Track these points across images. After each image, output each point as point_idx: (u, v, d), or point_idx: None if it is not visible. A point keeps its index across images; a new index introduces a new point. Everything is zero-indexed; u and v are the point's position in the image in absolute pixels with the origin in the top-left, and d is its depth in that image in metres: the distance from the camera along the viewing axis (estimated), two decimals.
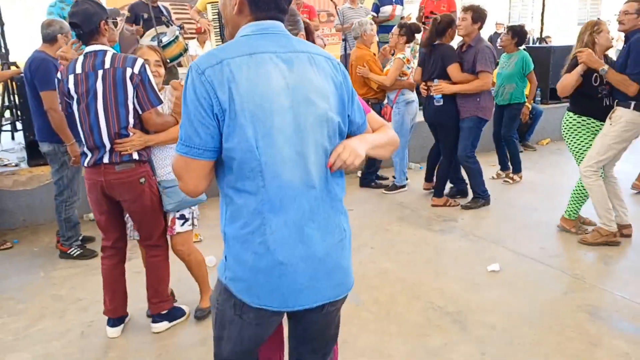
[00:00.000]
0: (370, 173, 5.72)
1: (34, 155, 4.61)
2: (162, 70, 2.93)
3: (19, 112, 5.30)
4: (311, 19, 7.02)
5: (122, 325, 3.01)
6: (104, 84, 2.61)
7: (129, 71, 2.62)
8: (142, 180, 2.72)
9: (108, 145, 2.66)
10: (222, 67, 1.33)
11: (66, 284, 3.66)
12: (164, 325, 3.00)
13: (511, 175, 5.78)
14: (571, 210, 4.18)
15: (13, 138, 4.88)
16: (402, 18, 7.62)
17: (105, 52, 2.69)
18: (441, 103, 4.71)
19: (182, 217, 2.90)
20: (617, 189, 4.01)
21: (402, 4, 7.67)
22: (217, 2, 5.78)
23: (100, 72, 2.62)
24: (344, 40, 6.92)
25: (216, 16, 5.86)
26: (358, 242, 4.15)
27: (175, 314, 3.07)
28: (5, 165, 4.80)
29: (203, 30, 7.16)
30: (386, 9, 7.40)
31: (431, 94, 4.75)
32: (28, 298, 3.49)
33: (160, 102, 2.72)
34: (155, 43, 5.79)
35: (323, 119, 1.42)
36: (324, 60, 1.50)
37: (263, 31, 1.44)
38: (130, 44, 7.64)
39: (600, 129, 3.88)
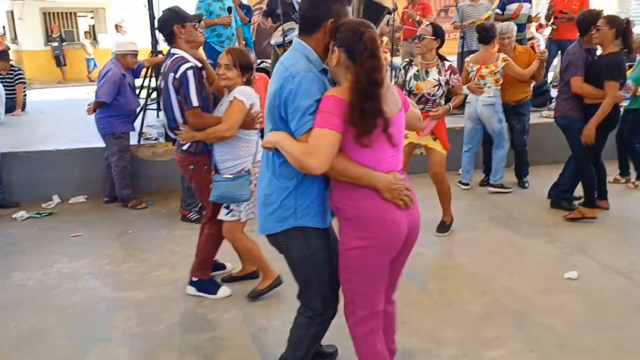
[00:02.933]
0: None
1: None
2: (230, 73, 3.06)
3: None
4: (425, 16, 7.12)
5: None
6: (162, 85, 3.16)
7: (171, 76, 3.06)
8: (191, 167, 3.24)
9: (171, 135, 3.30)
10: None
11: (182, 242, 4.33)
12: (191, 289, 3.46)
13: (633, 181, 5.53)
14: None
15: (158, 116, 5.74)
16: (529, 17, 7.42)
17: (172, 55, 3.17)
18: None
19: (227, 207, 3.21)
20: None
21: (530, 2, 7.44)
22: None
23: (164, 74, 3.16)
24: (462, 37, 6.95)
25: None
26: (442, 237, 4.33)
27: (204, 286, 3.43)
28: (148, 138, 5.70)
29: None
30: (512, 7, 7.24)
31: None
32: (152, 249, 4.24)
33: (196, 104, 3.05)
34: (281, 40, 6.36)
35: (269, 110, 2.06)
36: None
37: None
38: (265, 37, 8.38)
39: None
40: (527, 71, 5.24)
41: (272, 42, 7.21)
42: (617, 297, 3.35)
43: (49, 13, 17.31)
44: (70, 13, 18.06)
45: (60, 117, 7.77)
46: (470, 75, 5.38)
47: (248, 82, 3.17)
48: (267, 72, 6.22)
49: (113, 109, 4.97)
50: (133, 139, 5.40)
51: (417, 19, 7.03)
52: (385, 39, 7.55)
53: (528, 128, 5.64)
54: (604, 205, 4.85)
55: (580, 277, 3.59)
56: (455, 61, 7.23)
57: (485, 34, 5.32)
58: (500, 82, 5.27)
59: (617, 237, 4.34)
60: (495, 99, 5.32)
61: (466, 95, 5.40)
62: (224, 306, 3.31)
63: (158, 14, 5.80)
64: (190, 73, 3.04)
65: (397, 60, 9.44)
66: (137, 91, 5.54)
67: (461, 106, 6.72)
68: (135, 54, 5.13)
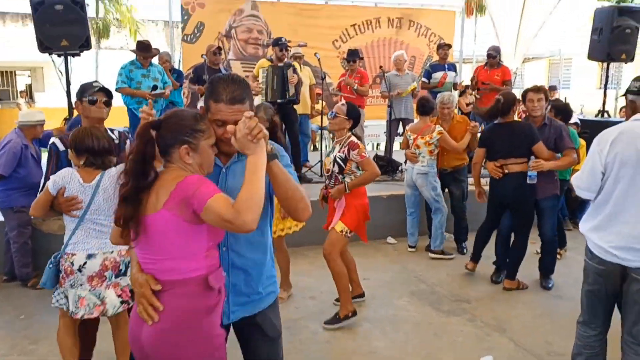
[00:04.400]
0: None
1: None
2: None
3: None
4: (362, 85, 7.23)
5: None
6: None
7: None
8: None
9: None
10: None
11: None
12: None
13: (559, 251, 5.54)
14: None
15: None
16: (454, 85, 7.65)
17: None
18: (535, 182, 4.47)
19: None
20: None
21: (455, 71, 7.70)
22: (267, 67, 6.25)
23: None
24: (389, 107, 7.04)
25: (264, 79, 6.24)
26: (361, 315, 4.12)
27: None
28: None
29: (252, 89, 7.58)
30: (437, 75, 7.47)
31: (507, 171, 4.50)
32: (43, 338, 3.78)
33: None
34: None
35: None
36: None
37: None
38: (194, 101, 8.32)
39: None
40: (459, 144, 5.35)
41: (199, 106, 7.14)
42: None
43: None
44: (9, 72, 17.63)
45: None
46: (409, 143, 5.49)
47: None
48: None
49: (13, 182, 4.63)
50: None
51: (355, 87, 7.12)
52: (322, 102, 7.61)
53: (467, 193, 5.69)
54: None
55: None
56: (385, 126, 7.33)
57: (426, 106, 5.44)
58: (435, 152, 5.39)
59: (537, 312, 4.26)
60: (428, 168, 5.40)
61: (405, 162, 5.69)
62: None
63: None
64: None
65: None
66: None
67: (396, 172, 6.84)
68: (42, 124, 4.87)
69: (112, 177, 2.88)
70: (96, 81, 3.24)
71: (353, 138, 3.96)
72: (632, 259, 2.62)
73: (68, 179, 2.86)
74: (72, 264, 2.82)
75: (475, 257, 5.03)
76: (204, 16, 8.76)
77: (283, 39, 6.48)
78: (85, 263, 2.82)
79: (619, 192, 2.66)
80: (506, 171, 4.53)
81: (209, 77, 6.58)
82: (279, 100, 6.24)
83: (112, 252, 2.85)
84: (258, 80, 6.66)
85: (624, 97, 2.94)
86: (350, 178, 3.94)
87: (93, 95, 3.06)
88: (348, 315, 3.95)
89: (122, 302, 2.89)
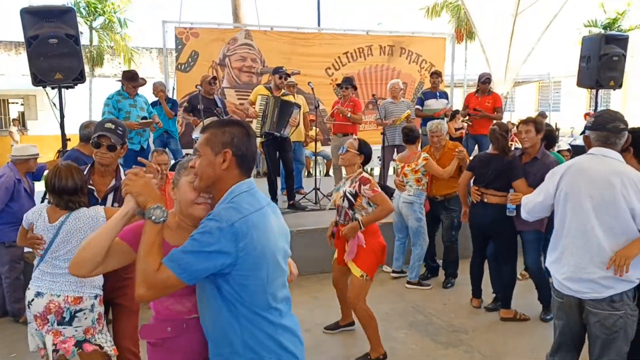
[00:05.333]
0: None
1: None
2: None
3: None
4: (356, 113, 7.27)
5: None
6: None
7: None
8: None
9: None
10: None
11: None
12: None
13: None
14: None
15: None
16: (446, 112, 7.73)
17: None
18: (514, 214, 4.42)
19: None
20: None
21: (446, 99, 7.79)
22: (267, 94, 6.29)
23: None
24: (383, 134, 7.09)
25: (262, 106, 6.26)
26: (358, 348, 4.08)
27: None
28: None
29: (249, 115, 7.52)
30: (430, 103, 7.55)
31: (485, 200, 4.54)
32: None
33: None
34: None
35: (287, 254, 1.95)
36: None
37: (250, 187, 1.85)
38: (189, 131, 8.33)
39: None
40: (445, 171, 5.26)
41: (193, 136, 7.18)
42: None
43: None
44: (2, 100, 17.65)
45: None
46: (398, 171, 5.52)
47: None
48: None
49: (5, 216, 4.59)
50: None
51: (349, 115, 7.17)
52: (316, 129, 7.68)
53: (459, 223, 5.47)
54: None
55: None
56: (379, 151, 7.37)
57: (411, 135, 5.47)
58: (423, 182, 5.36)
59: (534, 343, 4.22)
60: (414, 197, 5.37)
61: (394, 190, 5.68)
62: None
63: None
64: None
65: (327, 150, 9.63)
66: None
67: (390, 198, 6.83)
68: (35, 158, 4.85)
69: (79, 219, 2.83)
70: (110, 121, 3.12)
71: (364, 173, 3.92)
72: (583, 290, 2.72)
73: (37, 216, 2.89)
74: (27, 298, 2.84)
75: (476, 293, 5.01)
76: (198, 45, 8.84)
77: (283, 68, 6.56)
78: (32, 300, 2.80)
79: (568, 224, 2.81)
80: (485, 200, 4.57)
81: (204, 106, 6.61)
82: (275, 133, 6.26)
83: (59, 295, 2.78)
84: (255, 107, 6.63)
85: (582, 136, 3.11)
86: (360, 214, 3.86)
87: (99, 139, 3.01)
88: (380, 358, 3.87)
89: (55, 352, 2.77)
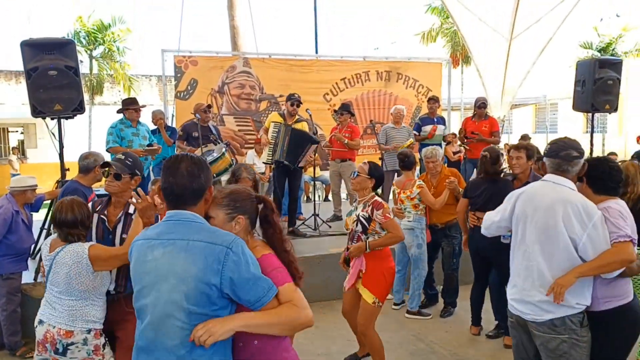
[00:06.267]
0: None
1: None
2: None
3: None
4: (353, 139, 7.30)
5: None
6: None
7: None
8: None
9: None
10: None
11: None
12: None
13: None
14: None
15: None
16: (443, 137, 7.78)
17: None
18: (508, 241, 4.42)
19: None
20: None
21: (444, 124, 7.84)
22: (280, 121, 6.29)
23: None
24: (381, 159, 7.11)
25: (275, 134, 6.27)
26: None
27: None
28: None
29: (262, 143, 7.46)
30: (427, 128, 7.61)
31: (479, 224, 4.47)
32: None
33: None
34: None
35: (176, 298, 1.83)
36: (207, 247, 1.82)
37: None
38: None
39: None
40: (437, 201, 5.18)
41: None
42: None
43: None
44: (1, 128, 17.73)
45: None
46: (395, 198, 5.47)
47: None
48: None
49: (2, 248, 4.57)
50: (27, 277, 4.94)
51: (346, 142, 7.19)
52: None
53: (460, 250, 5.40)
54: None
55: None
56: None
57: (407, 161, 5.45)
58: (421, 207, 5.29)
59: None
60: (414, 223, 5.30)
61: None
62: None
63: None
64: None
65: (326, 174, 9.65)
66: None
67: None
68: (34, 189, 4.85)
69: (71, 252, 2.82)
70: (123, 153, 3.20)
71: (377, 197, 3.92)
72: (527, 311, 2.80)
73: (44, 245, 3.00)
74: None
75: (475, 321, 4.97)
76: (197, 73, 8.92)
77: (296, 95, 6.58)
78: (36, 326, 2.90)
79: (517, 247, 2.92)
80: (480, 224, 4.52)
81: (202, 134, 6.63)
82: (285, 162, 6.24)
83: (54, 327, 2.81)
84: (267, 134, 6.62)
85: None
86: (374, 238, 3.86)
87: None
88: None
89: None
